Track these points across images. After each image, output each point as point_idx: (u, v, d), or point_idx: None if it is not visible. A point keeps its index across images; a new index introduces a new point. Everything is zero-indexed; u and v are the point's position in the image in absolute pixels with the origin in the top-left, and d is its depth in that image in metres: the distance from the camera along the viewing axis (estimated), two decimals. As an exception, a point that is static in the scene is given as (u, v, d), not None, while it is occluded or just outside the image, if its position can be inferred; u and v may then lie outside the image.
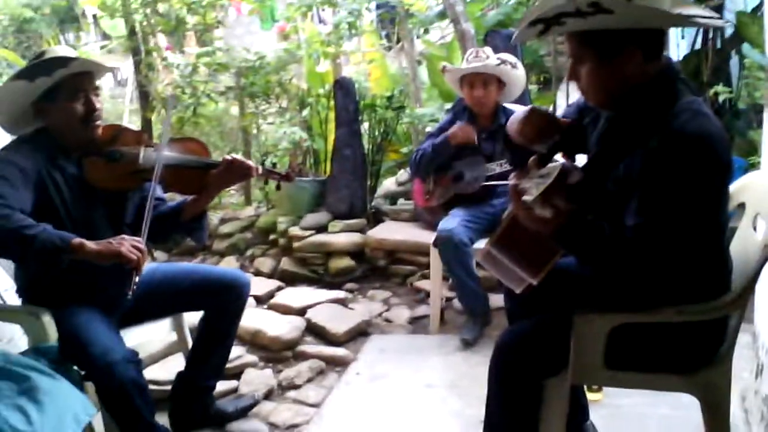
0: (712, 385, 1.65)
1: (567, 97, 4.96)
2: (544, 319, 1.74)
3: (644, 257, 1.47)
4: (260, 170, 2.29)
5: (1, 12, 11.79)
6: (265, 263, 4.27)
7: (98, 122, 2.12)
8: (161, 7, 5.11)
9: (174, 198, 2.42)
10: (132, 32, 4.93)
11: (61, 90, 2.05)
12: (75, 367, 1.94)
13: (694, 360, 1.65)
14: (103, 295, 2.11)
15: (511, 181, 1.60)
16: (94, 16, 9.38)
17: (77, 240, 1.84)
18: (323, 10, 6.58)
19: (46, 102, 2.07)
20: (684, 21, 1.65)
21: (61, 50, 2.12)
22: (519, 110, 3.18)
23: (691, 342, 1.63)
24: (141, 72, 4.91)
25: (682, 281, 1.56)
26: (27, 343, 2.13)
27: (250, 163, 2.26)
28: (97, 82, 2.15)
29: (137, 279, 1.90)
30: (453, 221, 3.02)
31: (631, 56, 1.52)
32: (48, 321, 2.00)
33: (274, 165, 2.47)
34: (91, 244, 1.85)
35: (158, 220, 2.24)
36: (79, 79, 2.06)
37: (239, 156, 2.27)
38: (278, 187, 2.40)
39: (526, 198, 1.50)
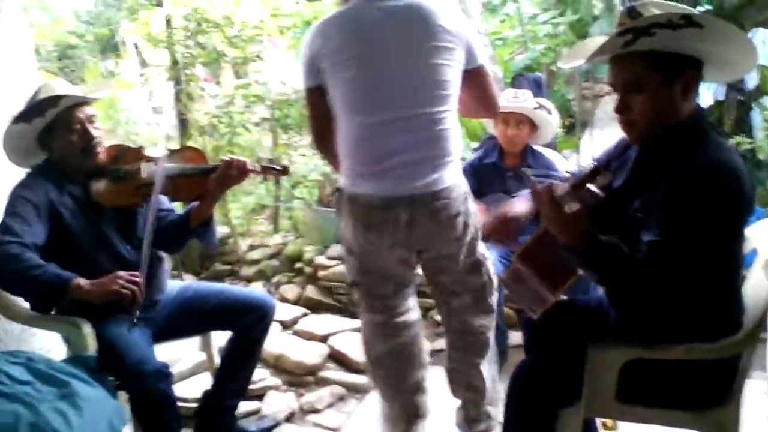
0: (721, 424, 1.68)
1: (592, 141, 5.05)
2: (560, 350, 1.80)
3: (657, 276, 1.51)
4: (258, 167, 2.35)
5: (46, 38, 12.28)
6: (291, 290, 4.34)
7: (98, 149, 2.24)
8: (202, 40, 5.32)
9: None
10: (174, 62, 5.14)
11: (57, 125, 2.18)
12: (110, 378, 2.03)
13: (705, 398, 1.68)
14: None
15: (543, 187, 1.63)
16: (135, 45, 9.72)
17: (75, 281, 1.96)
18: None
19: (47, 137, 2.21)
20: (751, 52, 1.60)
21: (56, 84, 2.24)
22: (546, 153, 3.28)
23: (702, 380, 1.67)
24: (180, 101, 5.11)
25: (694, 317, 1.61)
26: (65, 353, 2.24)
27: (246, 160, 2.32)
28: (90, 111, 2.23)
29: (137, 312, 2.01)
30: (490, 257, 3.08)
31: (691, 79, 1.56)
32: (88, 331, 2.10)
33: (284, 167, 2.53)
34: (87, 285, 1.97)
35: (169, 230, 2.36)
36: (72, 113, 2.17)
37: (235, 156, 2.36)
38: (277, 182, 2.43)
39: (559, 192, 1.60)
